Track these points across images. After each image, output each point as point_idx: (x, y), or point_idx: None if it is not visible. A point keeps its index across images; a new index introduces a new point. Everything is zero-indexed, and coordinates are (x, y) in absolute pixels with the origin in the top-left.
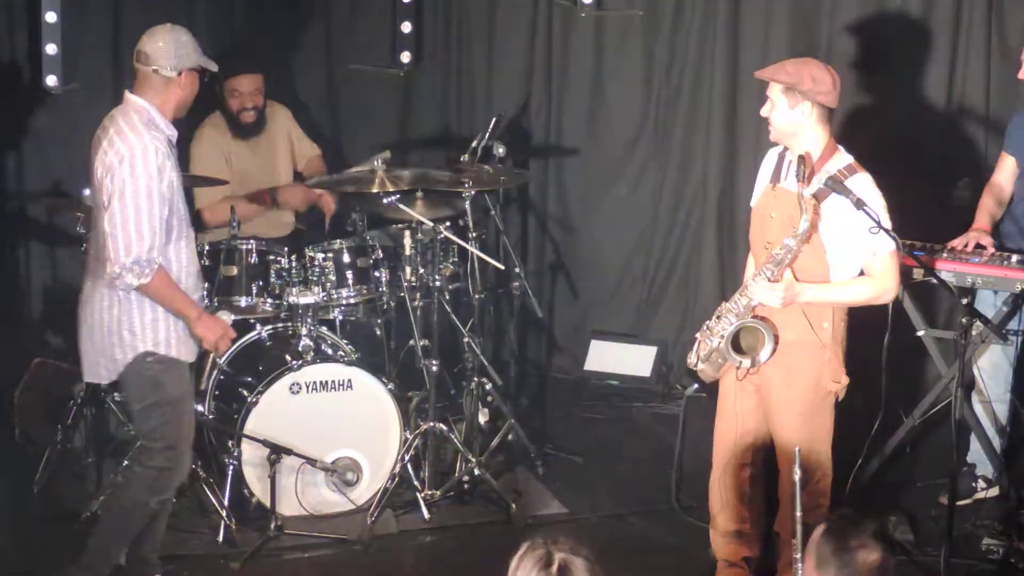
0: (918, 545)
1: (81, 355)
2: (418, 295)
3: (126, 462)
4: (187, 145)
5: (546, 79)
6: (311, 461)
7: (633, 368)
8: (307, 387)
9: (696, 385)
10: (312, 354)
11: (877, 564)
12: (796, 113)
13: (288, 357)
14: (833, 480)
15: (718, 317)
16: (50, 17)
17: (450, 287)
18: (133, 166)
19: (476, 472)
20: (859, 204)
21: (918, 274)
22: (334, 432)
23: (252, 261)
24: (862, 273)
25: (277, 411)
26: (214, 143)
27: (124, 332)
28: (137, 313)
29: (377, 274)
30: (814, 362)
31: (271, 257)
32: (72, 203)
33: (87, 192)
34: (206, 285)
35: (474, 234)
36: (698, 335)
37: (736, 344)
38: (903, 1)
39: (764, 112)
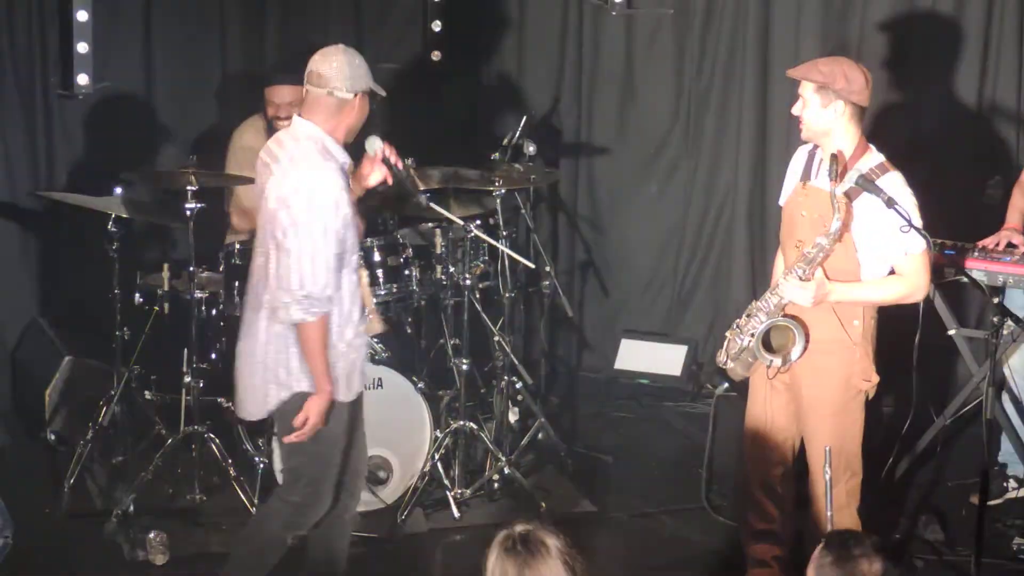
0: (948, 545)
1: (235, 387)
2: (449, 293)
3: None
4: (222, 142)
5: (576, 77)
6: None
7: (663, 367)
8: None
9: (726, 384)
10: None
11: (879, 574)
12: (829, 112)
13: None
14: (863, 479)
15: (748, 316)
16: (81, 16)
17: (480, 286)
18: (310, 200)
19: (506, 471)
20: (890, 203)
21: (949, 273)
22: (364, 431)
23: None
24: (893, 272)
25: None
26: (251, 146)
27: (280, 370)
28: (296, 352)
29: (407, 272)
30: (844, 361)
31: None
32: (103, 203)
33: (118, 191)
34: (237, 284)
35: (504, 233)
36: (728, 333)
37: (767, 343)
38: None
39: (796, 110)
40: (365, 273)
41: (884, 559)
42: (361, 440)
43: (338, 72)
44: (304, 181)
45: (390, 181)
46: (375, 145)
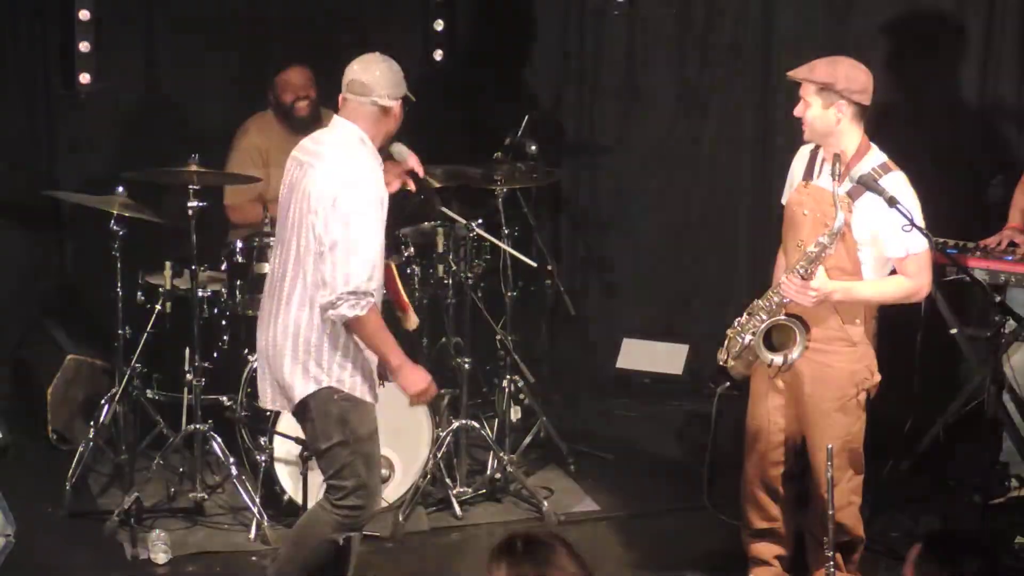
0: None
1: (258, 379)
2: (450, 292)
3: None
4: (224, 140)
5: (579, 76)
6: None
7: (665, 366)
8: None
9: (728, 383)
10: None
11: (982, 571)
12: (831, 112)
13: None
14: (865, 478)
15: (749, 314)
16: (83, 15)
17: (482, 284)
18: (361, 194)
19: (508, 470)
20: (892, 202)
21: (951, 272)
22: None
23: None
24: (894, 271)
25: None
26: (255, 144)
27: (311, 363)
28: (328, 346)
29: (410, 271)
30: (846, 359)
31: None
32: (105, 201)
33: (120, 190)
34: (239, 282)
35: (507, 231)
36: (729, 332)
37: (768, 341)
38: None
39: (798, 112)
40: (394, 266)
41: (986, 555)
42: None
43: (380, 80)
44: (354, 175)
45: (412, 188)
46: (403, 153)
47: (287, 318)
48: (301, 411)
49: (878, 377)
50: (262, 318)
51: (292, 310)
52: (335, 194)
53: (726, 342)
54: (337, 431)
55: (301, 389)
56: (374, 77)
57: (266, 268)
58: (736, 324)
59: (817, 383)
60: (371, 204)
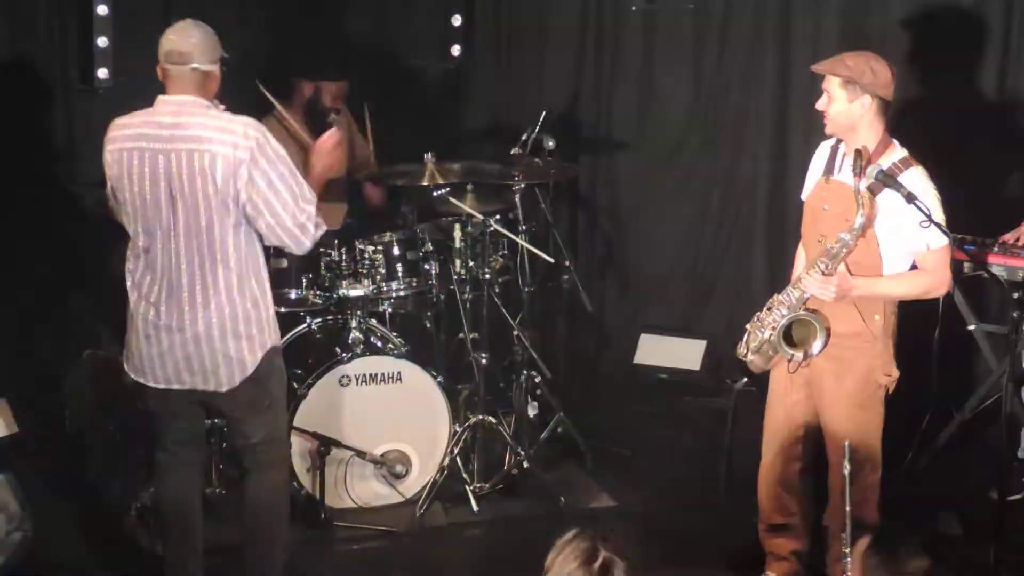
0: (967, 540)
1: (196, 367)
2: (468, 288)
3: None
4: None
5: (596, 72)
6: (360, 453)
7: (683, 361)
8: (356, 380)
9: (746, 379)
10: (362, 347)
11: (926, 572)
12: (855, 107)
13: (338, 349)
14: (882, 474)
15: (769, 309)
16: (101, 10)
17: (500, 280)
18: (260, 143)
19: (525, 465)
20: (910, 198)
21: (969, 268)
22: (383, 425)
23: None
24: (914, 267)
25: (326, 404)
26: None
27: (253, 331)
28: (263, 309)
29: (427, 267)
30: (865, 355)
31: (321, 250)
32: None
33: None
34: None
35: (524, 227)
36: (749, 326)
37: (788, 337)
38: None
39: (820, 106)
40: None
41: (931, 557)
42: None
43: (199, 47)
44: (241, 129)
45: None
46: None
47: (220, 301)
48: (251, 378)
49: (896, 373)
50: (172, 311)
51: (223, 294)
52: (236, 167)
53: (746, 336)
54: (277, 383)
55: (251, 359)
56: (192, 44)
57: (284, 263)
58: (756, 319)
59: (836, 379)
60: (272, 142)
